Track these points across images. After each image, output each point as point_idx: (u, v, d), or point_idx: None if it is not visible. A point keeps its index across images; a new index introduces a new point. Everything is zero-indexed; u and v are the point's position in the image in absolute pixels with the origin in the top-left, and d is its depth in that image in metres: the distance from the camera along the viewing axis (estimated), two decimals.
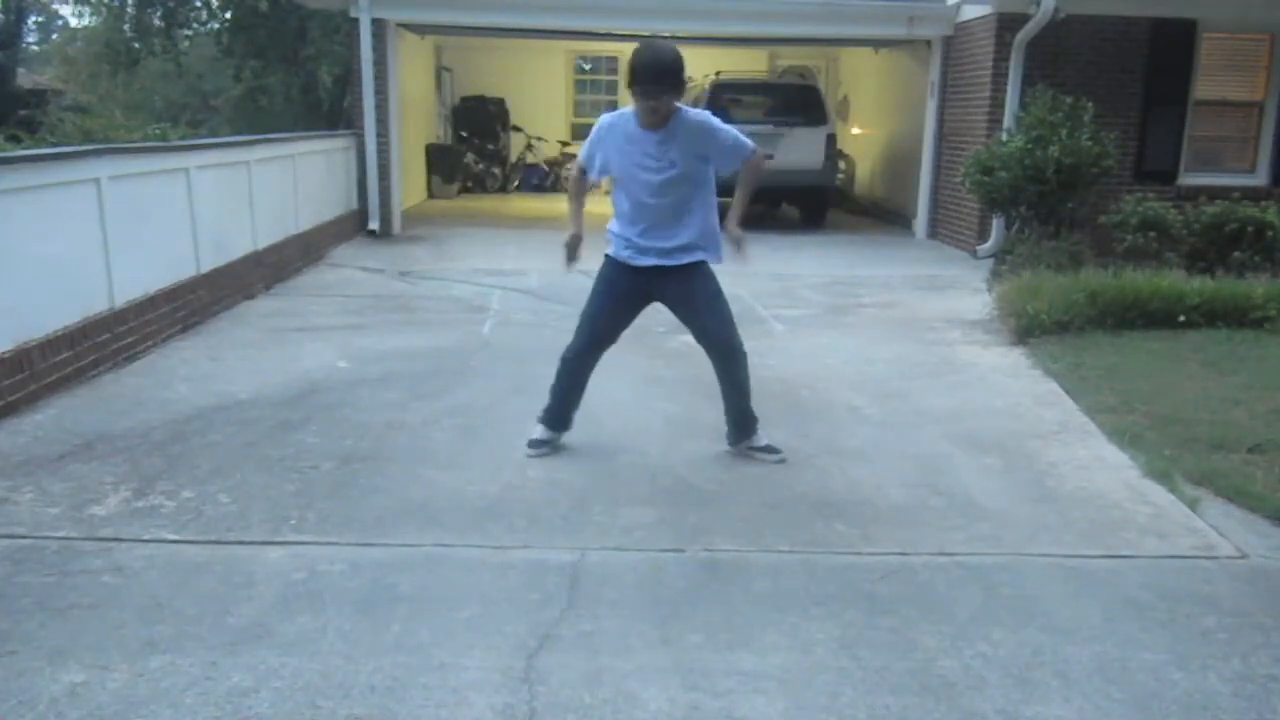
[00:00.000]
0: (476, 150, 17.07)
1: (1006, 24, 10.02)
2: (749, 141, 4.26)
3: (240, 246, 7.77)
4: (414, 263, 9.70)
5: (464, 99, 17.28)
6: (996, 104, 10.21)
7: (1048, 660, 2.86)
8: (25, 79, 24.47)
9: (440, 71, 16.70)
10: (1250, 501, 3.98)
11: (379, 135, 11.30)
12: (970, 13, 10.90)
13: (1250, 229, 8.53)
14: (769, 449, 4.47)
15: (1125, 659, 2.88)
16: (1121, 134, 9.73)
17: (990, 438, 4.81)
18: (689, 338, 6.73)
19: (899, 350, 6.57)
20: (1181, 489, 4.13)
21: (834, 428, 4.96)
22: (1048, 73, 9.91)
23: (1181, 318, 6.68)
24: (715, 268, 4.46)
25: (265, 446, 4.47)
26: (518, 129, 17.50)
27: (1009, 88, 10.09)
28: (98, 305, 5.61)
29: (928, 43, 11.86)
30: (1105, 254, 8.39)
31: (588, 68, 18.71)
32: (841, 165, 14.82)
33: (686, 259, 4.28)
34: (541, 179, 17.60)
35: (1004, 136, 9.47)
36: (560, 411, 4.52)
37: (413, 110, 13.89)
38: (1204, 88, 10.43)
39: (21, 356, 4.86)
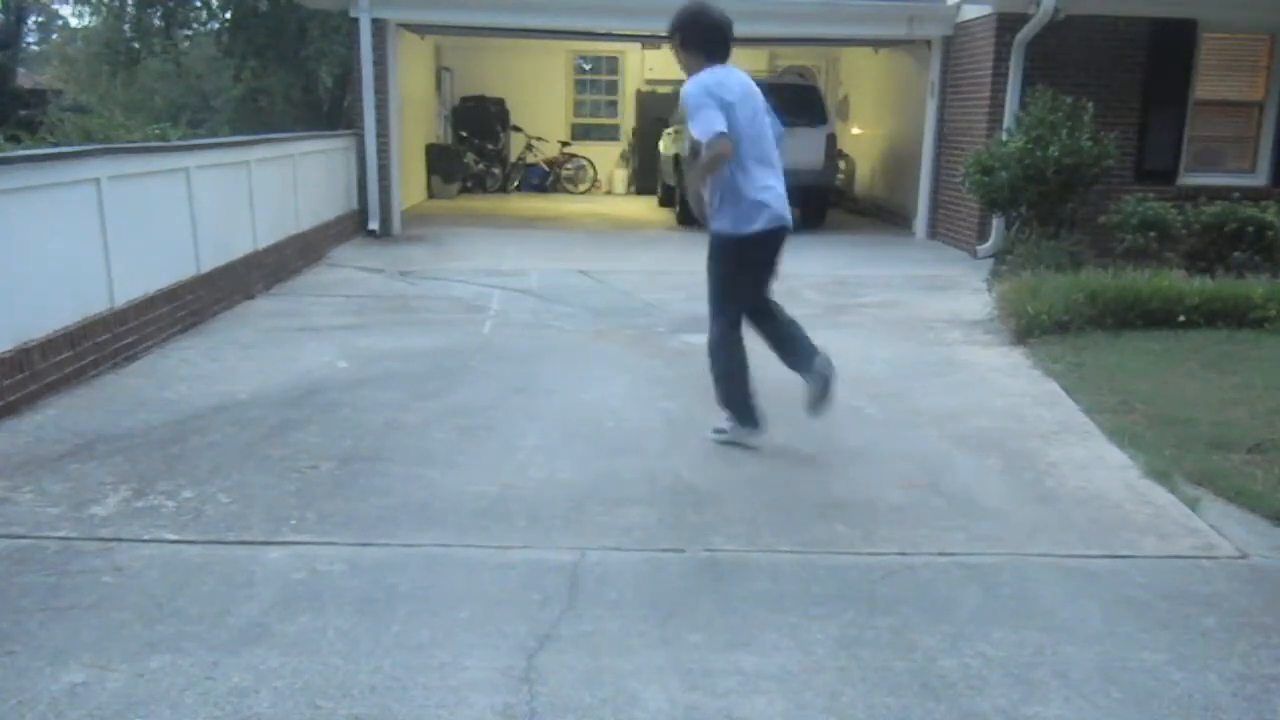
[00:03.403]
0: (476, 150, 17.07)
1: (1006, 24, 10.02)
2: (697, 132, 4.14)
3: (240, 246, 7.77)
4: (414, 263, 9.70)
5: (464, 99, 17.28)
6: (996, 104, 10.21)
7: (1048, 660, 2.86)
8: (25, 79, 24.44)
9: (440, 71, 16.70)
10: (1250, 501, 3.98)
11: (379, 135, 11.29)
12: (970, 13, 10.90)
13: (1250, 229, 8.53)
14: (716, 429, 4.60)
15: (1125, 659, 2.88)
16: (1121, 134, 9.71)
17: (990, 438, 4.81)
18: (690, 337, 6.73)
19: (899, 350, 6.57)
20: (1181, 489, 4.13)
21: (834, 428, 4.95)
22: (1048, 73, 9.90)
23: (1181, 318, 6.67)
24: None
25: (265, 446, 4.47)
26: (518, 129, 17.50)
27: (1009, 88, 10.09)
28: (98, 305, 5.61)
29: (928, 43, 11.86)
30: (1105, 254, 8.40)
31: (588, 68, 18.70)
32: (841, 165, 14.82)
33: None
34: (541, 179, 17.60)
35: (1004, 136, 9.46)
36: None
37: (413, 110, 13.89)
38: (1204, 88, 10.42)
39: (21, 356, 4.86)
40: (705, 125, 4.09)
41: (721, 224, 4.35)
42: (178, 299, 6.55)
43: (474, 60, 17.00)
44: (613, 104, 18.62)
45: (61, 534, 3.53)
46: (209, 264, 7.12)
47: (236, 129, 16.96)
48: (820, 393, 4.46)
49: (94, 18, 19.83)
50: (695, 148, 4.24)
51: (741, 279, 4.45)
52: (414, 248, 10.72)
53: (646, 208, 15.55)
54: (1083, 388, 5.52)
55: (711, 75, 4.24)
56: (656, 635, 2.96)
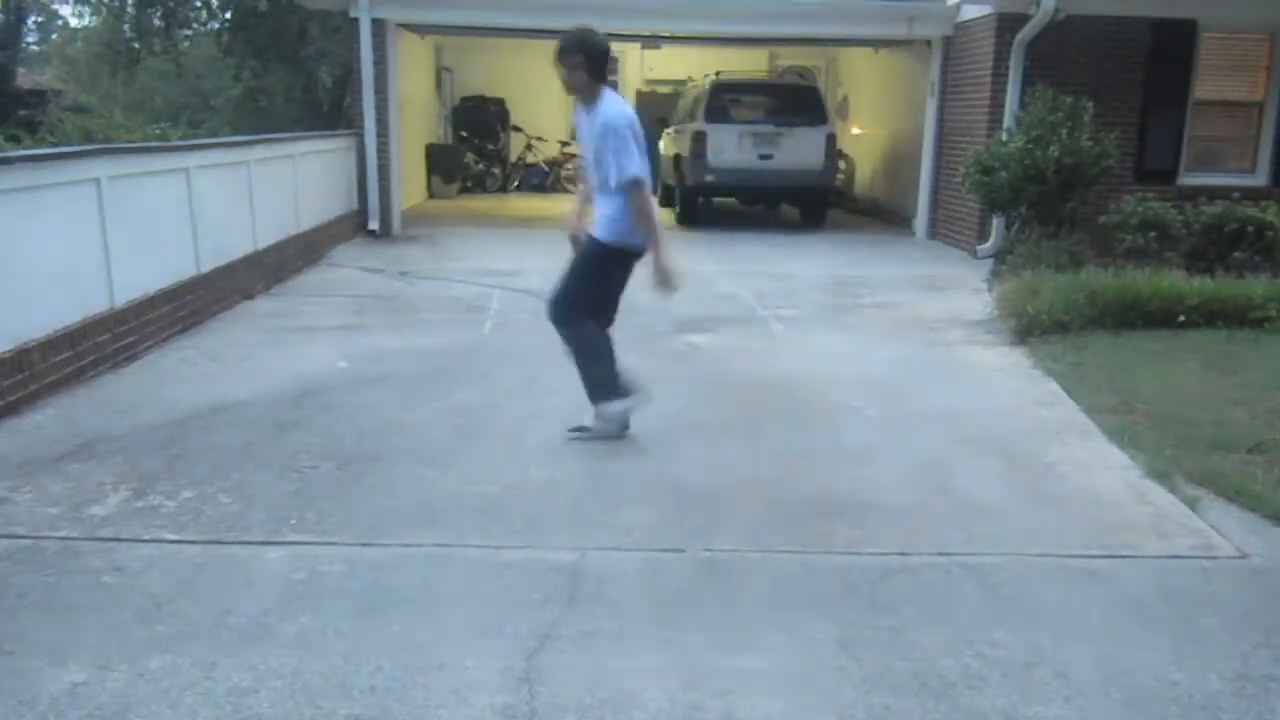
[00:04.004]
0: (476, 150, 17.07)
1: (1006, 24, 10.01)
2: (628, 168, 4.34)
3: (240, 246, 7.76)
4: (414, 263, 9.70)
5: (464, 99, 17.27)
6: (996, 104, 10.21)
7: (1048, 660, 2.86)
8: (25, 79, 24.43)
9: (440, 71, 16.69)
10: (1250, 501, 3.98)
11: (379, 135, 11.30)
12: (970, 13, 10.89)
13: (1250, 229, 8.53)
14: (577, 429, 4.65)
15: (1125, 659, 2.88)
16: (1121, 134, 9.71)
17: (990, 438, 4.81)
18: (690, 337, 6.74)
19: (899, 350, 6.56)
20: (1181, 489, 4.12)
21: (834, 428, 4.96)
22: (1048, 73, 9.90)
23: (1181, 318, 6.68)
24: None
25: (265, 446, 4.47)
26: (518, 129, 17.49)
27: (1009, 88, 10.09)
28: (98, 305, 5.61)
29: (928, 43, 11.86)
30: (1105, 254, 8.39)
31: None
32: (841, 165, 14.83)
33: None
34: (541, 179, 17.59)
35: (1004, 136, 9.46)
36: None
37: (413, 110, 13.88)
38: (1204, 88, 10.42)
39: (21, 356, 4.85)
40: (636, 163, 4.36)
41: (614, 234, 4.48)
42: (178, 299, 6.55)
43: (474, 60, 16.99)
44: None
45: (61, 534, 3.53)
46: (209, 264, 7.12)
47: (236, 129, 16.96)
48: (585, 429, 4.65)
49: (94, 18, 19.85)
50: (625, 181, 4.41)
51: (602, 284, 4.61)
52: (414, 248, 10.72)
53: None
54: (1083, 388, 5.52)
55: (625, 105, 4.50)
56: (656, 635, 2.96)
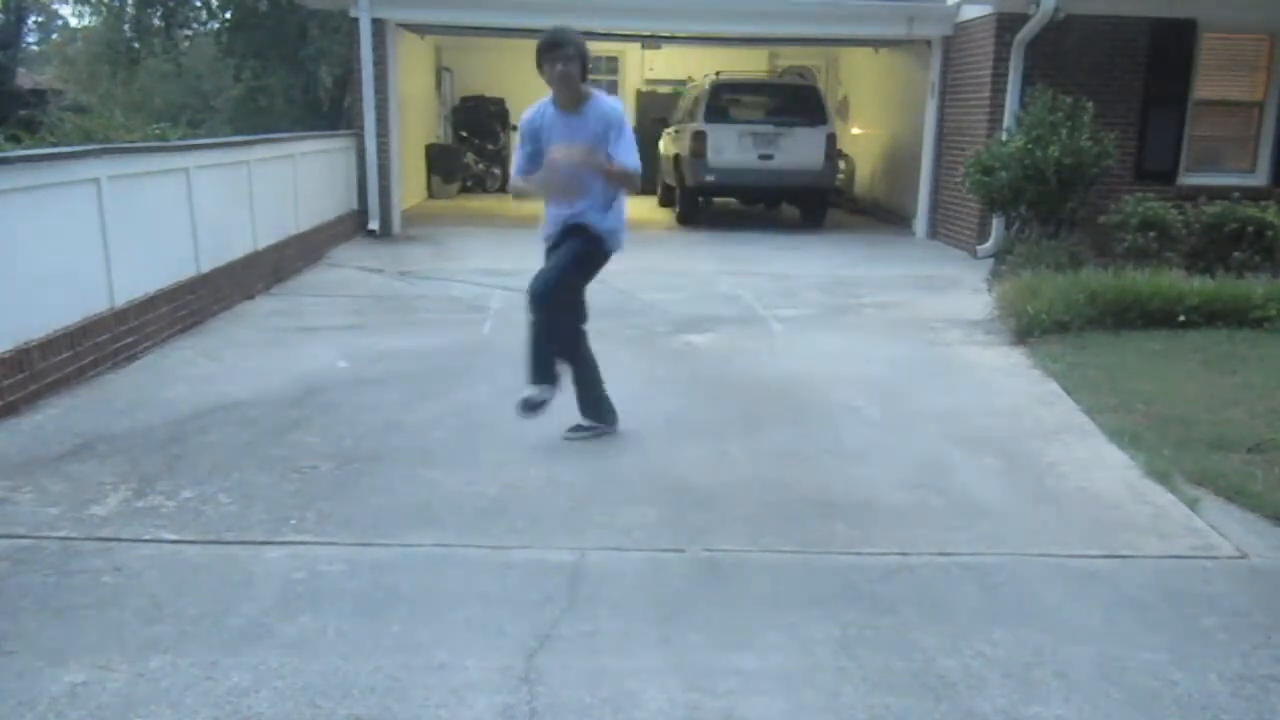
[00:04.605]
0: (476, 150, 17.07)
1: (1006, 24, 10.02)
2: (637, 159, 4.48)
3: (240, 246, 7.77)
4: (414, 263, 9.70)
5: (464, 99, 17.28)
6: (996, 104, 10.21)
7: (1048, 660, 2.86)
8: (25, 79, 24.45)
9: (440, 71, 16.69)
10: (1250, 501, 3.98)
11: (379, 135, 11.30)
12: (970, 13, 10.90)
13: (1250, 229, 8.54)
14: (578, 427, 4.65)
15: (1125, 659, 2.88)
16: (1121, 134, 9.72)
17: (990, 438, 4.81)
18: (690, 337, 6.74)
19: (899, 350, 6.56)
20: (1181, 489, 4.12)
21: (834, 428, 4.96)
22: (1048, 73, 9.90)
23: (1181, 318, 6.68)
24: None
25: (265, 446, 4.47)
26: (517, 129, 17.48)
27: (1009, 88, 10.09)
28: (98, 305, 5.61)
29: (928, 43, 11.86)
30: (1105, 254, 8.40)
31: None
32: (841, 165, 14.83)
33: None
34: None
35: (1004, 136, 9.47)
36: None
37: (413, 110, 13.88)
38: (1204, 88, 10.42)
39: (21, 356, 4.85)
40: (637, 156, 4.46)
41: (612, 228, 4.49)
42: (178, 299, 6.55)
43: (474, 60, 16.99)
44: None
45: (61, 534, 3.53)
46: (209, 264, 7.12)
47: (236, 129, 16.94)
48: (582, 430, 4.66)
49: (94, 18, 19.85)
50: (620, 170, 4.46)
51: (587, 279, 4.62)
52: (414, 248, 10.72)
53: (646, 207, 15.53)
54: (1083, 388, 5.52)
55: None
56: (656, 635, 2.96)
